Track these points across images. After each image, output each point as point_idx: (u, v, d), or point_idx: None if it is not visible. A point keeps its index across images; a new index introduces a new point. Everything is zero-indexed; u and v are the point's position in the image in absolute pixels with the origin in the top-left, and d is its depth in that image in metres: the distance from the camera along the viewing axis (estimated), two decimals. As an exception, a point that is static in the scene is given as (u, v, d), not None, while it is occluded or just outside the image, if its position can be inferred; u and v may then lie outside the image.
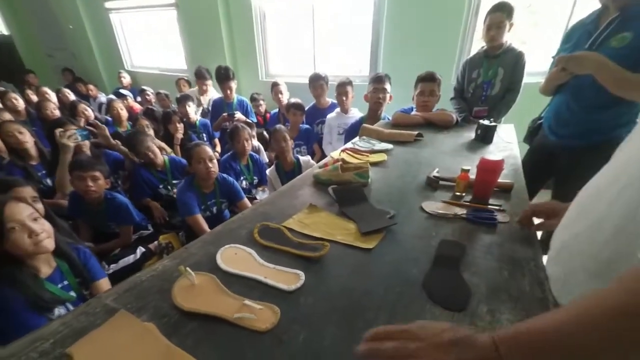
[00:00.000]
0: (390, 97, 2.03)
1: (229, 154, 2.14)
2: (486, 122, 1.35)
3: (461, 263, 0.63)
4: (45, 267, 1.10)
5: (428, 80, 1.76)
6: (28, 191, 1.35)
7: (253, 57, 3.66)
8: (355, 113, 2.35)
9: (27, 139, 2.05)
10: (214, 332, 0.50)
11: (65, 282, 1.14)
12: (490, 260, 0.65)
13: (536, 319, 0.34)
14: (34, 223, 1.03)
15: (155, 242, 1.75)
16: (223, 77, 2.61)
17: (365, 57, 3.20)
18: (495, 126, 1.34)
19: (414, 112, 1.84)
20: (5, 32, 5.80)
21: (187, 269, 0.58)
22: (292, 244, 0.71)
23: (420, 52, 2.80)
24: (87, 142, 2.01)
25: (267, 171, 2.15)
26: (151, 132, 2.60)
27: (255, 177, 2.21)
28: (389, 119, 1.98)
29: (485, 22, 1.78)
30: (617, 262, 0.42)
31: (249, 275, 0.61)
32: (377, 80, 1.99)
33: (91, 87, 4.11)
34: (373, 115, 2.02)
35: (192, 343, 0.48)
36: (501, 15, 1.68)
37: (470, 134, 1.47)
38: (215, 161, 1.72)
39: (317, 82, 2.53)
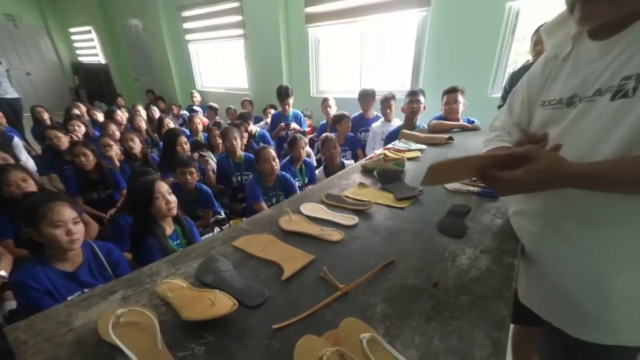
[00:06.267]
0: (424, 107, 2.34)
1: (287, 158, 2.57)
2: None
3: (466, 217, 0.93)
4: (169, 228, 1.57)
5: (451, 92, 2.07)
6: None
7: (306, 76, 4.19)
8: (397, 122, 2.68)
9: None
10: (307, 241, 0.86)
11: (178, 241, 1.60)
12: (485, 215, 0.94)
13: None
14: (169, 196, 1.51)
15: (227, 225, 2.22)
16: (283, 94, 3.12)
17: (408, 73, 3.52)
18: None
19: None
20: (103, 61, 7.14)
21: (288, 209, 0.96)
22: (348, 203, 1.06)
23: (459, 68, 3.05)
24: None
25: (317, 171, 2.54)
26: (219, 141, 3.16)
27: (306, 178, 2.61)
28: (424, 126, 2.27)
29: (532, 39, 2.03)
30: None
31: (323, 217, 0.97)
32: (412, 94, 2.34)
33: (174, 107, 4.96)
34: (409, 123, 2.34)
35: (296, 245, 0.84)
36: None
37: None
38: (277, 160, 2.15)
39: (365, 98, 2.93)
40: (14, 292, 1.34)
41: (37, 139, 4.02)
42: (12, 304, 1.45)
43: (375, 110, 3.00)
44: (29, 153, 3.56)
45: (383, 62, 3.82)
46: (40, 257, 1.21)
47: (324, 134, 2.59)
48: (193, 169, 2.14)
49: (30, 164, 3.28)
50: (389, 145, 1.71)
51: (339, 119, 2.91)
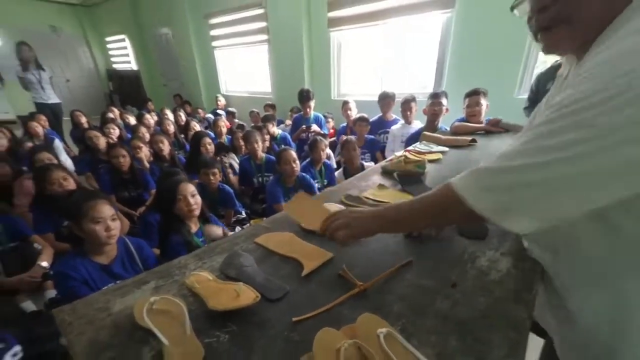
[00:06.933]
0: (447, 109, 2.30)
1: (307, 160, 2.60)
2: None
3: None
4: (194, 226, 1.64)
5: (473, 94, 2.03)
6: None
7: (327, 79, 4.23)
8: (417, 124, 2.65)
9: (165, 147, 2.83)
10: (326, 240, 0.87)
11: (203, 239, 1.67)
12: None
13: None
14: (192, 198, 1.58)
15: (248, 224, 2.29)
16: (304, 98, 3.18)
17: (430, 75, 3.46)
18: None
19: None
20: (135, 67, 7.54)
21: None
22: (368, 204, 1.07)
23: (484, 69, 2.97)
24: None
25: (336, 173, 2.56)
26: (242, 143, 3.26)
27: (325, 180, 2.63)
28: (446, 129, 2.24)
29: None
30: None
31: (342, 218, 0.99)
32: (434, 96, 2.30)
33: (200, 110, 5.17)
34: (431, 125, 2.31)
35: (315, 243, 0.86)
36: None
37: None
38: (297, 162, 2.19)
39: (385, 100, 2.93)
40: (55, 281, 1.45)
41: (75, 142, 4.31)
42: (51, 293, 1.57)
43: (394, 113, 2.98)
44: (67, 154, 3.84)
45: (405, 64, 3.79)
46: (80, 250, 1.31)
47: (344, 137, 2.61)
48: (216, 170, 2.22)
49: (69, 163, 3.53)
50: (410, 147, 1.70)
51: (355, 121, 2.93)
